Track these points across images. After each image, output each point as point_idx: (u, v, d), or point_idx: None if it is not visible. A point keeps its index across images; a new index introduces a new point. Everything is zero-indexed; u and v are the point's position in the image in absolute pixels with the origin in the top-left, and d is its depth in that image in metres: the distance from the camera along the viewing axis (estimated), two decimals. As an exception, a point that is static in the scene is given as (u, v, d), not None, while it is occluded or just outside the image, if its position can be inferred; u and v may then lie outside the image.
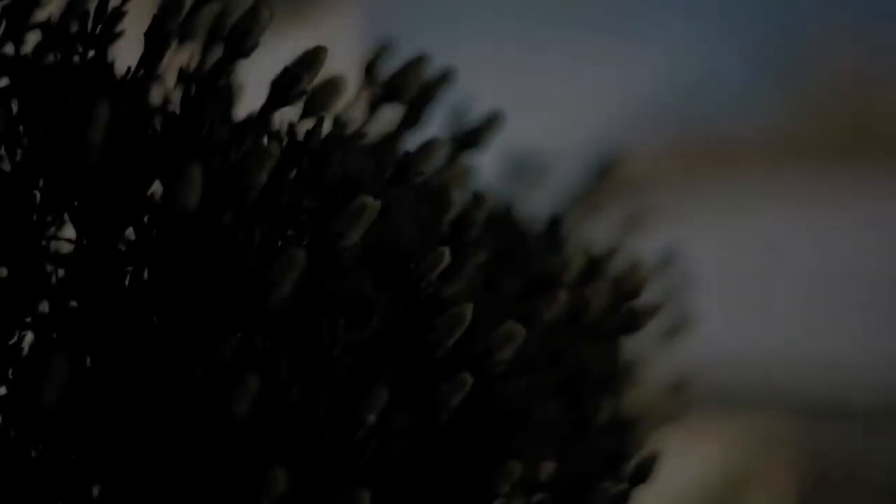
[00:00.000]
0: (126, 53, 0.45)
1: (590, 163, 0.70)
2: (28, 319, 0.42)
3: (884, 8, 2.40)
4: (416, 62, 0.51)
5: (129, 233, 0.44)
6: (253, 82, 0.49)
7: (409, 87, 0.51)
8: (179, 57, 0.51)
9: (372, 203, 0.41)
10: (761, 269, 1.74)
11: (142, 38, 0.44)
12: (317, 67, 0.43)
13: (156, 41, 0.43)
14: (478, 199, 0.48)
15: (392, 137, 0.54)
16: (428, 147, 0.47)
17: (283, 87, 0.44)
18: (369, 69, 0.54)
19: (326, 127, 0.48)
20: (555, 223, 0.66)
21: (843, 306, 1.65)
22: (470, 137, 0.56)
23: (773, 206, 1.91)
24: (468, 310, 0.43)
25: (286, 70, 0.44)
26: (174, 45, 0.47)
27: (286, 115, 0.47)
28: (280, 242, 0.43)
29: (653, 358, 0.69)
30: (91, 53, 0.44)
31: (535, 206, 0.70)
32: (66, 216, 0.43)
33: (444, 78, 0.53)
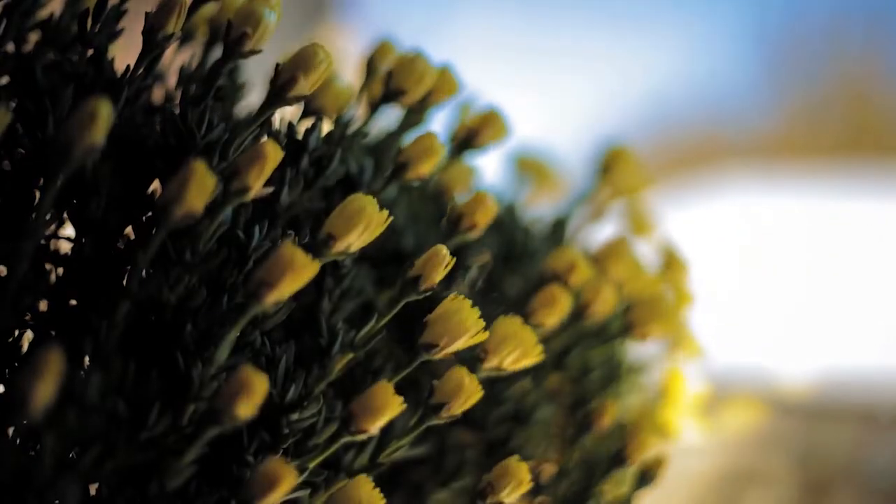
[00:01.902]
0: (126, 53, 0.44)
1: (592, 162, 0.69)
2: (28, 318, 0.42)
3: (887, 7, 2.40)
4: (416, 59, 0.50)
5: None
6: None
7: (411, 86, 0.50)
8: (181, 56, 0.50)
9: (372, 203, 0.41)
10: (760, 269, 1.73)
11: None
12: (314, 66, 0.42)
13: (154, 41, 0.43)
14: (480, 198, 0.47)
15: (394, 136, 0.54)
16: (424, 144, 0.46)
17: (280, 87, 0.42)
18: (370, 67, 0.54)
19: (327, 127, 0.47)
20: (558, 224, 0.66)
21: (842, 306, 1.64)
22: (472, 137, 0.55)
23: (772, 205, 1.90)
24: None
25: (281, 69, 0.42)
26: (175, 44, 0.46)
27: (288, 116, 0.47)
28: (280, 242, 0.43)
29: (655, 359, 0.68)
30: (90, 52, 0.43)
31: (538, 206, 0.70)
32: (65, 216, 0.43)
33: (447, 77, 0.52)
